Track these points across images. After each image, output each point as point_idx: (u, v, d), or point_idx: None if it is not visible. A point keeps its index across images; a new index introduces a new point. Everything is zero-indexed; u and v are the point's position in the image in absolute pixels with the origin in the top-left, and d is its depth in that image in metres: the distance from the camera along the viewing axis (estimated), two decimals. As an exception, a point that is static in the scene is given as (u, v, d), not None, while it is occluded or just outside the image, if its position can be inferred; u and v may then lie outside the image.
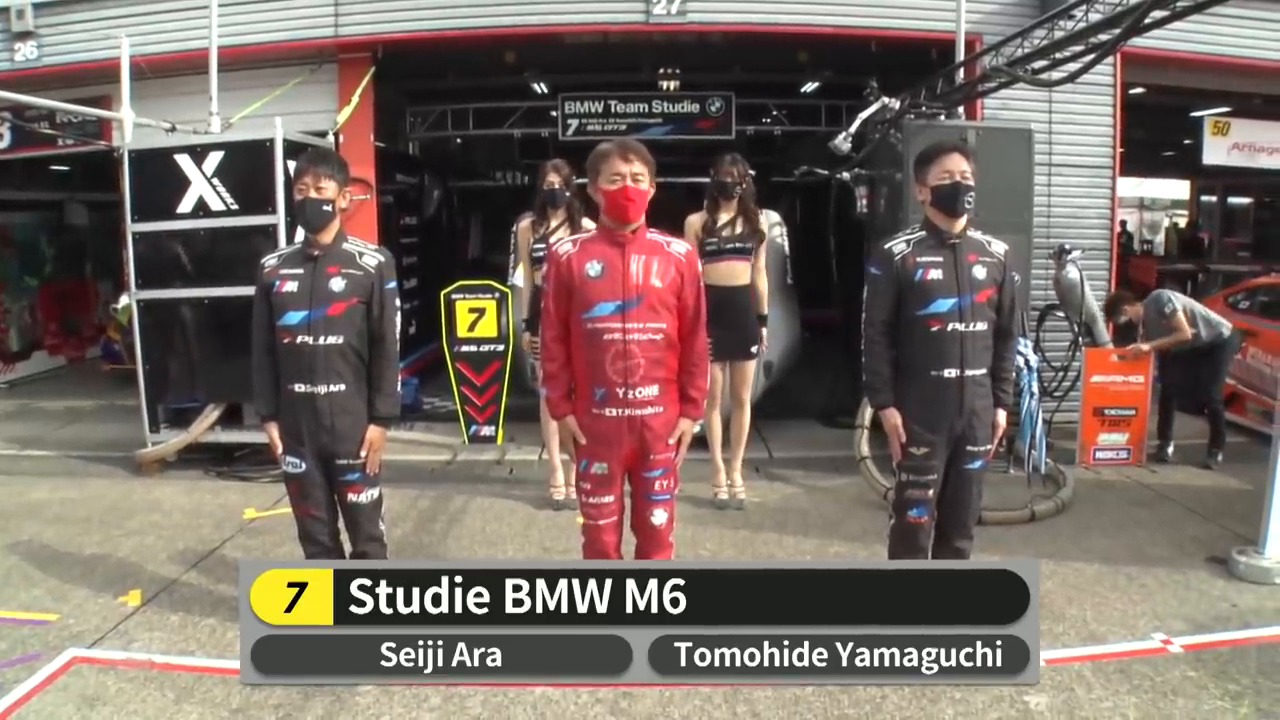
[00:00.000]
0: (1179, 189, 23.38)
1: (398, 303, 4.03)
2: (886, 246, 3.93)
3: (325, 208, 3.84)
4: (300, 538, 4.07)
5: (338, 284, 3.84)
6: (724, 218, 6.03)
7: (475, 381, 7.61)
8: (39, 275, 11.77)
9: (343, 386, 3.89)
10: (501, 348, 7.55)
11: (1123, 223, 22.55)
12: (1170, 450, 7.21)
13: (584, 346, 3.62)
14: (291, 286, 3.84)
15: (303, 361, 3.84)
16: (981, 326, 3.84)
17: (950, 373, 3.82)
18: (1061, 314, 7.46)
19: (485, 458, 7.38)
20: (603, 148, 3.61)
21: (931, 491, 3.94)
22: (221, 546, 5.45)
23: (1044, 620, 4.23)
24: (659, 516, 3.77)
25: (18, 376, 11.12)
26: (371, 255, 3.96)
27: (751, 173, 6.19)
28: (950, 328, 3.80)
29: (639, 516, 3.81)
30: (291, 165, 6.76)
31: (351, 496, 3.99)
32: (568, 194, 6.00)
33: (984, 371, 3.89)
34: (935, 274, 3.80)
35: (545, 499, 6.23)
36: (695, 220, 6.10)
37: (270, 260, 3.97)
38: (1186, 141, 13.19)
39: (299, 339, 3.83)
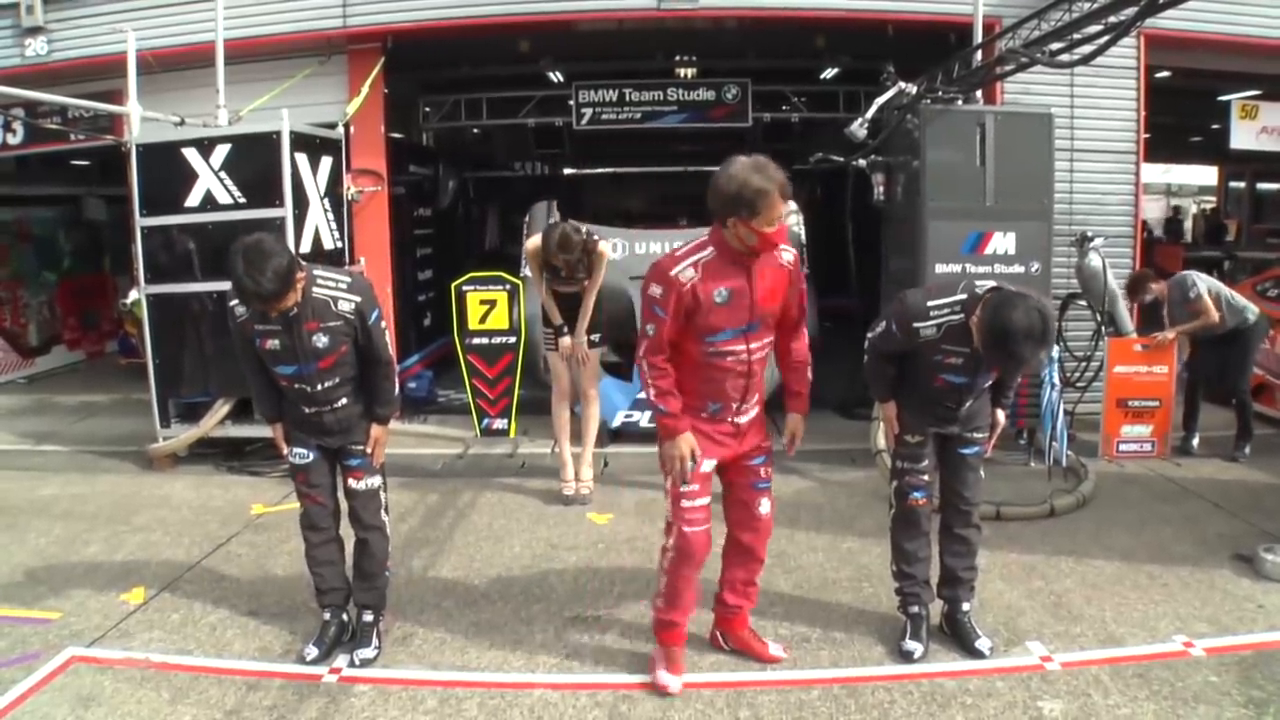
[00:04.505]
0: (1207, 175, 22.97)
1: (384, 325, 3.90)
2: (915, 326, 3.66)
3: (292, 312, 3.66)
4: (304, 527, 4.03)
5: (321, 340, 3.72)
6: None
7: (487, 374, 7.54)
8: (57, 270, 11.83)
9: (345, 401, 3.89)
10: (513, 340, 7.48)
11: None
12: (1195, 442, 7.02)
13: (700, 367, 3.47)
14: (274, 344, 3.74)
15: (304, 395, 3.83)
16: (987, 385, 3.86)
17: (949, 405, 3.85)
18: (1084, 303, 7.29)
19: (497, 451, 7.32)
20: (757, 183, 3.20)
21: (927, 476, 3.97)
22: (228, 543, 5.41)
23: (1061, 621, 4.17)
24: (765, 505, 3.72)
25: (36, 371, 11.19)
26: (346, 298, 3.74)
27: None
28: (955, 387, 3.78)
29: (745, 511, 3.72)
30: (299, 158, 6.81)
31: (352, 482, 4.00)
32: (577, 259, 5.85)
33: (983, 399, 3.95)
34: (954, 361, 3.68)
35: (555, 494, 6.14)
36: None
37: (241, 309, 3.74)
38: (1214, 126, 12.88)
39: (296, 385, 3.82)
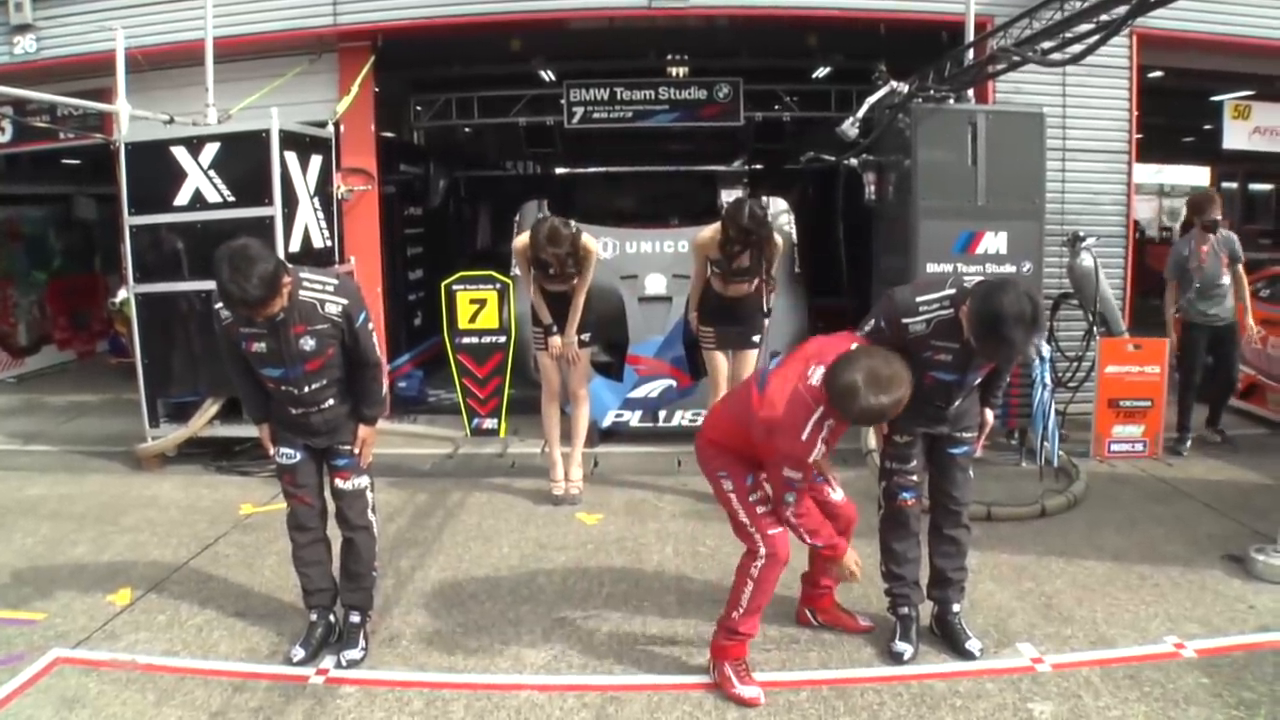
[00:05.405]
0: (1200, 175, 22.98)
1: (371, 326, 3.87)
2: (904, 322, 3.62)
3: (279, 316, 3.62)
4: (290, 528, 4.02)
5: (308, 343, 3.69)
6: (739, 261, 5.82)
7: (477, 374, 7.54)
8: (47, 269, 11.73)
9: (332, 402, 3.87)
10: (503, 339, 7.48)
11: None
12: (1189, 444, 7.01)
13: None
14: (260, 347, 3.70)
15: (291, 397, 3.81)
16: (976, 383, 3.85)
17: (939, 403, 3.83)
18: (1076, 303, 7.29)
19: (487, 451, 7.29)
20: (887, 404, 3.27)
21: (916, 477, 3.96)
22: (215, 543, 5.38)
23: (1052, 623, 4.16)
24: (837, 493, 4.06)
25: (26, 371, 11.09)
26: (333, 301, 3.71)
27: (769, 208, 5.96)
28: (944, 384, 3.76)
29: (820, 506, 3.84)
30: (289, 157, 6.77)
31: (339, 482, 3.99)
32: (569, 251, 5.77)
33: (972, 398, 3.94)
34: (944, 357, 3.65)
35: (545, 494, 6.12)
36: (708, 241, 5.88)
37: (226, 313, 3.68)
38: (1207, 126, 12.89)
39: (282, 387, 3.79)
